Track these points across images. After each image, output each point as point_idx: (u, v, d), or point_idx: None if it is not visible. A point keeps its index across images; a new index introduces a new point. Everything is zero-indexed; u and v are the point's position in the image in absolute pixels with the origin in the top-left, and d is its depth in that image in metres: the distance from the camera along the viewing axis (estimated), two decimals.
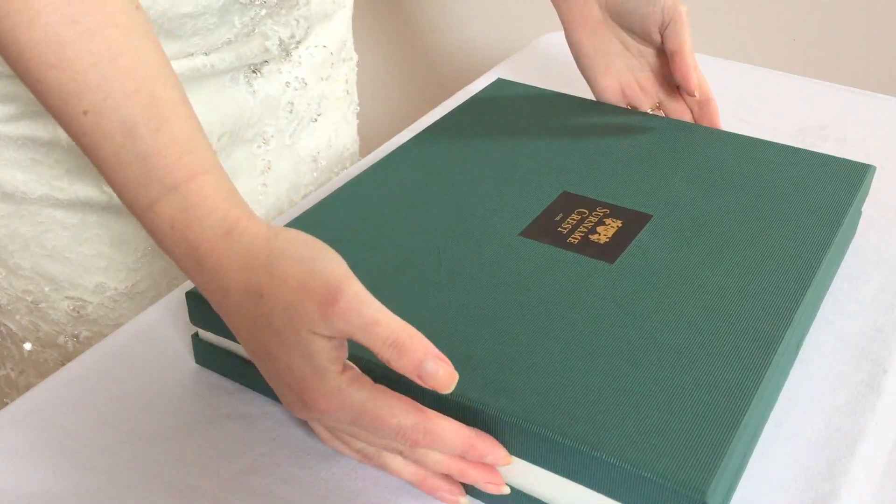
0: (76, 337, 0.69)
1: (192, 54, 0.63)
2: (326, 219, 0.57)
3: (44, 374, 0.73)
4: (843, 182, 0.61)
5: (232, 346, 0.51)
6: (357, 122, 0.85)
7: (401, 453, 0.43)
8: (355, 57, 0.82)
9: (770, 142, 0.66)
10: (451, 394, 0.40)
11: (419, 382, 0.39)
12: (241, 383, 0.52)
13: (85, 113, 0.42)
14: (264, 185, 0.72)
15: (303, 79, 0.71)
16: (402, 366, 0.39)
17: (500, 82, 0.75)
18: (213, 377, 0.52)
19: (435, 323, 0.48)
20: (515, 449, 0.43)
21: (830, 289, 0.60)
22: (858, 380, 0.53)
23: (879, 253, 0.63)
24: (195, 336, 0.53)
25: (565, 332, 0.47)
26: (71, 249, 0.65)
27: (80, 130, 0.43)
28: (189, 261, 0.43)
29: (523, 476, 0.43)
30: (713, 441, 0.41)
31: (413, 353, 0.39)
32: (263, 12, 0.64)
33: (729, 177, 0.61)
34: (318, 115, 0.75)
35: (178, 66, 0.62)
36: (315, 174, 0.77)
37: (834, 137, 0.78)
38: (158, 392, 0.51)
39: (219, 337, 0.51)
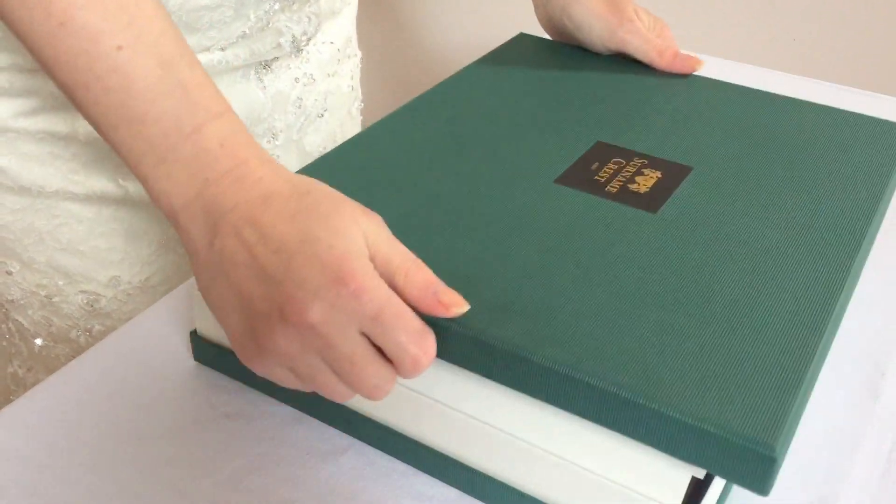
0: (89, 331, 0.70)
1: (208, 49, 0.63)
2: (353, 160, 0.55)
3: (53, 371, 0.73)
4: (887, 142, 0.59)
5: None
6: (361, 118, 0.85)
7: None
8: (359, 53, 0.83)
9: (808, 101, 0.65)
10: (496, 340, 0.40)
11: (433, 300, 0.40)
12: (241, 381, 0.52)
13: (119, 48, 0.43)
14: None
15: (311, 74, 0.73)
16: (420, 279, 0.40)
17: (522, 37, 0.74)
18: (213, 375, 0.52)
19: (469, 269, 0.45)
20: (564, 403, 0.40)
21: None
22: (857, 381, 0.53)
23: (879, 254, 0.64)
24: (193, 333, 0.53)
25: (610, 281, 0.45)
26: (85, 243, 0.66)
27: (112, 66, 0.43)
28: (230, 176, 0.43)
29: (523, 475, 0.44)
30: (778, 395, 0.38)
31: (428, 272, 0.41)
32: (277, 6, 0.65)
33: (769, 133, 0.60)
34: (325, 110, 0.76)
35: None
36: None
37: None
38: (158, 391, 0.51)
39: (218, 334, 0.51)
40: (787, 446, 0.39)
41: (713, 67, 0.91)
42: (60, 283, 0.67)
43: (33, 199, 0.63)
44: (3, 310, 0.70)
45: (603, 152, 0.56)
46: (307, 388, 0.42)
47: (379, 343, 0.40)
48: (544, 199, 0.51)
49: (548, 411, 0.43)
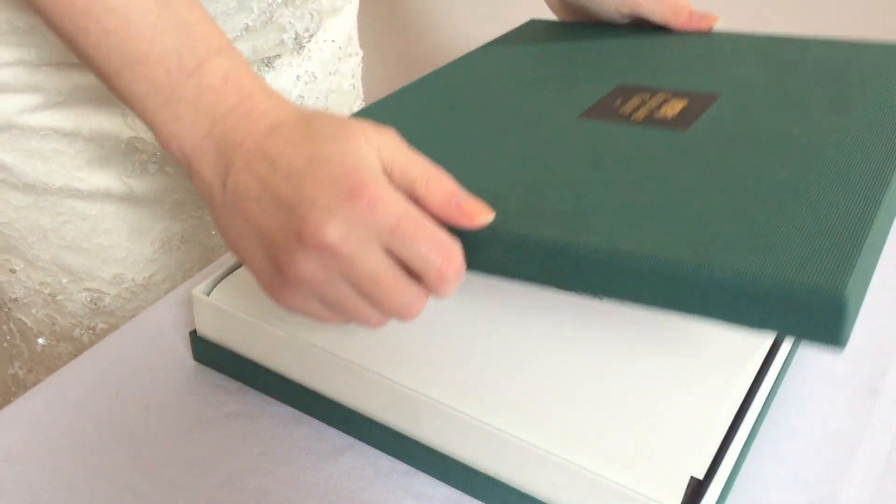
0: (92, 329, 0.70)
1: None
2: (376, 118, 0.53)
3: (54, 371, 0.73)
4: None
5: (231, 344, 0.51)
6: None
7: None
8: (361, 52, 0.83)
9: (824, 39, 0.63)
10: (532, 233, 0.39)
11: (456, 209, 0.40)
12: (241, 381, 0.52)
13: None
14: None
15: (313, 73, 0.73)
16: (441, 189, 0.40)
17: (533, 21, 0.74)
18: (213, 375, 0.52)
19: (496, 188, 0.43)
20: (610, 289, 0.38)
21: None
22: (857, 381, 0.53)
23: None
24: (193, 333, 0.53)
25: (644, 182, 0.43)
26: (89, 241, 0.66)
27: (110, 7, 0.43)
28: (237, 111, 0.43)
29: (524, 473, 0.44)
30: (844, 240, 0.36)
31: (450, 181, 0.40)
32: (280, 0, 0.65)
33: (796, 65, 0.58)
34: (326, 108, 0.76)
35: None
36: None
37: None
38: (157, 391, 0.51)
39: (218, 334, 0.52)
40: (860, 298, 0.36)
41: None
42: (64, 280, 0.67)
43: (37, 197, 0.63)
44: (6, 309, 0.70)
45: (626, 91, 0.55)
46: (341, 319, 0.42)
47: (402, 258, 0.39)
48: (570, 131, 0.50)
49: (547, 411, 0.43)
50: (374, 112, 0.56)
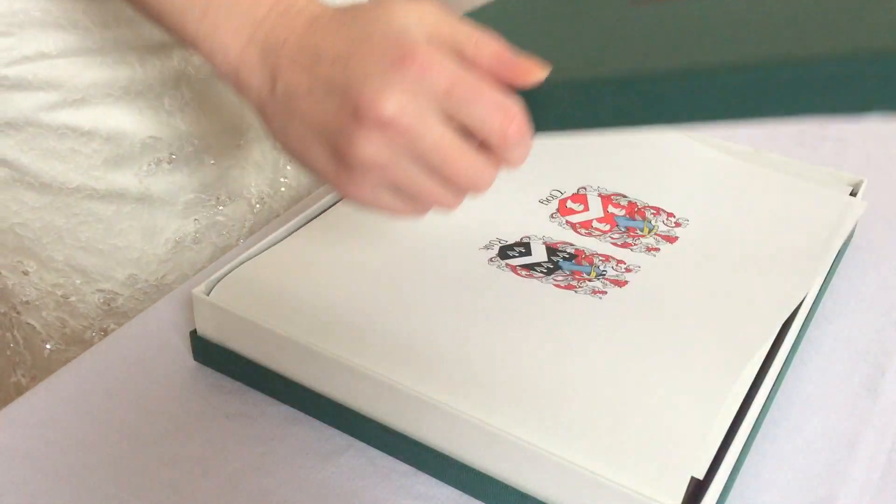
0: (104, 330, 0.70)
1: None
2: None
3: None
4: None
5: (231, 344, 0.51)
6: None
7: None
8: None
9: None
10: (604, 73, 0.38)
11: (509, 66, 0.38)
12: (241, 381, 0.52)
13: None
14: (285, 178, 0.74)
15: None
16: (491, 48, 0.39)
17: None
18: (213, 375, 0.52)
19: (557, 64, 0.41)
20: (699, 110, 0.36)
21: (829, 289, 0.60)
22: (857, 381, 0.53)
23: (878, 254, 0.64)
24: (193, 333, 0.53)
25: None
26: (104, 241, 0.66)
27: None
28: (274, 11, 0.43)
29: (523, 472, 0.44)
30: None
31: (498, 42, 0.39)
32: None
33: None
34: None
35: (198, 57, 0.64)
36: None
37: (833, 138, 0.78)
38: (158, 391, 0.51)
39: (218, 334, 0.51)
40: None
41: None
42: (78, 281, 0.67)
43: (54, 197, 0.63)
44: (14, 314, 0.70)
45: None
46: (414, 209, 0.41)
47: (463, 123, 0.38)
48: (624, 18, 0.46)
49: (547, 411, 0.43)
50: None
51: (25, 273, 0.66)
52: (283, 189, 0.74)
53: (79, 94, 0.60)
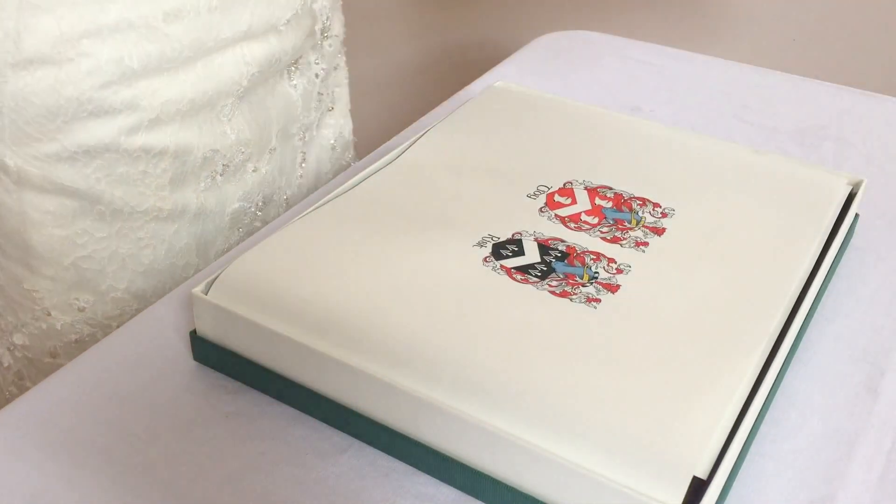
0: None
1: (273, 29, 0.65)
2: None
3: None
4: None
5: (230, 344, 0.51)
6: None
7: None
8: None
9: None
10: None
11: None
12: (241, 381, 0.52)
13: None
14: (301, 176, 0.74)
15: (325, 69, 0.74)
16: None
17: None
18: (213, 375, 0.52)
19: None
20: None
21: (829, 288, 0.60)
22: (856, 381, 0.53)
23: (878, 254, 0.64)
24: (193, 333, 0.53)
25: None
26: (164, 262, 0.66)
27: None
28: None
29: (523, 472, 0.44)
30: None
31: None
32: None
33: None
34: (333, 103, 0.78)
35: (260, 55, 0.65)
36: (332, 163, 0.79)
37: (833, 138, 0.78)
38: (157, 391, 0.51)
39: (217, 334, 0.52)
40: None
41: (713, 68, 0.92)
42: (135, 307, 0.66)
43: (122, 224, 0.63)
44: (49, 359, 0.68)
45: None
46: None
47: None
48: None
49: (547, 411, 0.43)
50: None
51: (81, 310, 0.65)
52: (299, 188, 0.75)
53: (154, 112, 0.60)
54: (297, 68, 0.70)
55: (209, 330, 0.52)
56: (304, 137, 0.73)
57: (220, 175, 0.65)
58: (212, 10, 0.60)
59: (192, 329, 0.53)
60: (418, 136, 0.67)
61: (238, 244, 0.69)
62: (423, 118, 0.82)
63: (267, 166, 0.69)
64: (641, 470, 0.41)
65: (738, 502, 0.45)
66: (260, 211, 0.70)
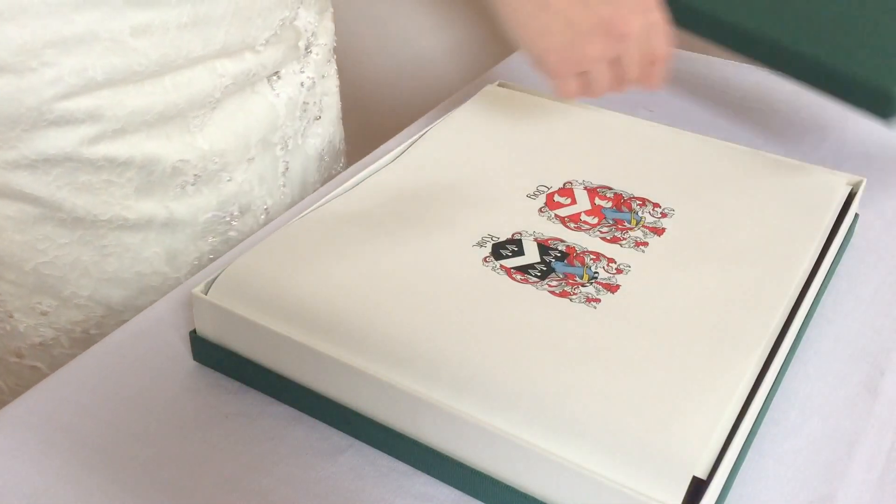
0: None
1: (251, 46, 0.65)
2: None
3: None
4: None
5: (230, 344, 0.51)
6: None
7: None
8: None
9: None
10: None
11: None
12: (241, 381, 0.52)
13: None
14: (283, 185, 0.74)
15: (312, 77, 0.73)
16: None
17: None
18: (213, 375, 0.52)
19: None
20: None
21: (829, 288, 0.60)
22: (856, 380, 0.53)
23: (878, 254, 0.64)
24: (193, 333, 0.53)
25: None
26: (129, 270, 0.65)
27: None
28: None
29: (522, 471, 0.44)
30: None
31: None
32: None
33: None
34: (321, 112, 0.77)
35: (235, 70, 0.64)
36: (320, 171, 0.78)
37: (833, 138, 0.78)
38: (157, 391, 0.51)
39: (217, 334, 0.52)
40: None
41: (713, 67, 0.91)
42: (100, 314, 0.66)
43: (84, 231, 0.62)
44: (14, 358, 0.68)
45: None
46: (592, 88, 0.58)
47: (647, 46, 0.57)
48: None
49: (547, 411, 0.43)
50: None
51: (44, 314, 0.65)
52: (282, 197, 0.74)
53: (118, 123, 0.59)
54: (279, 78, 0.70)
55: (209, 330, 0.52)
56: (287, 146, 0.72)
57: (192, 185, 0.65)
58: (182, 27, 0.59)
59: (192, 329, 0.53)
60: (418, 136, 0.67)
61: (211, 253, 0.68)
62: (421, 118, 0.82)
63: (244, 175, 0.68)
64: (641, 470, 0.41)
65: (738, 502, 0.45)
66: (235, 220, 0.69)
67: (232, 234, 0.70)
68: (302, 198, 0.77)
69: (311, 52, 0.72)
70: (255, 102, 0.68)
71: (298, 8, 0.69)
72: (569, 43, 0.55)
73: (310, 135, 0.76)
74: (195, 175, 0.64)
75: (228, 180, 0.67)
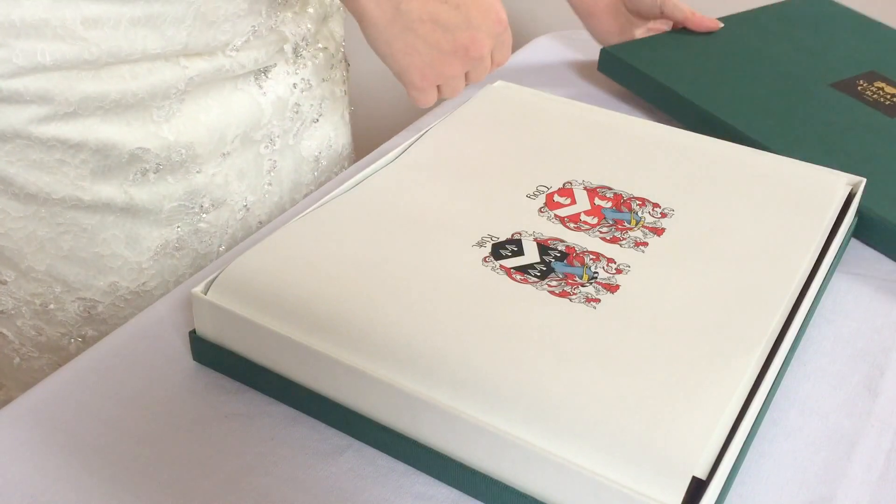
0: (82, 337, 0.70)
1: (221, 49, 0.64)
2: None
3: (28, 386, 0.73)
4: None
5: (230, 344, 0.51)
6: (350, 123, 0.86)
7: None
8: (346, 59, 0.83)
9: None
10: None
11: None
12: (241, 381, 0.52)
13: None
14: (269, 184, 0.74)
15: (308, 80, 0.73)
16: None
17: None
18: (212, 375, 0.52)
19: None
20: None
21: (829, 288, 0.60)
22: (856, 381, 0.53)
23: (878, 253, 0.64)
24: (193, 333, 0.53)
25: None
26: (86, 250, 0.66)
27: None
28: None
29: (520, 472, 0.44)
30: None
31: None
32: (282, 1, 0.67)
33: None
34: (320, 115, 0.76)
35: (204, 66, 0.64)
36: (315, 174, 0.78)
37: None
38: (157, 391, 0.51)
39: (217, 334, 0.52)
40: None
41: None
42: (58, 290, 0.67)
43: (38, 207, 0.63)
44: None
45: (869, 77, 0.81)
46: (444, 95, 0.66)
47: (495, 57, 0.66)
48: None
49: (547, 411, 0.43)
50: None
51: (3, 283, 0.66)
52: (266, 195, 0.74)
53: (70, 107, 0.60)
54: (268, 77, 0.70)
55: (209, 330, 0.52)
56: (274, 145, 0.72)
57: (154, 173, 0.65)
58: (135, 22, 0.59)
59: (191, 329, 0.53)
60: (418, 136, 0.67)
61: (177, 242, 0.69)
62: (422, 118, 0.82)
63: (217, 169, 0.68)
64: (641, 470, 0.41)
65: (738, 502, 0.45)
66: (207, 213, 0.69)
67: (202, 225, 0.70)
68: (293, 198, 0.77)
69: (301, 55, 0.72)
70: (236, 99, 0.68)
71: (281, 14, 0.68)
72: (430, 62, 0.61)
73: (305, 136, 0.76)
74: (157, 164, 0.65)
75: (198, 172, 0.67)
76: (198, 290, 0.52)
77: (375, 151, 0.76)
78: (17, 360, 0.70)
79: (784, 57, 0.84)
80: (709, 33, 0.88)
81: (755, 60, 0.84)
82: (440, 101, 0.69)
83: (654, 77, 0.80)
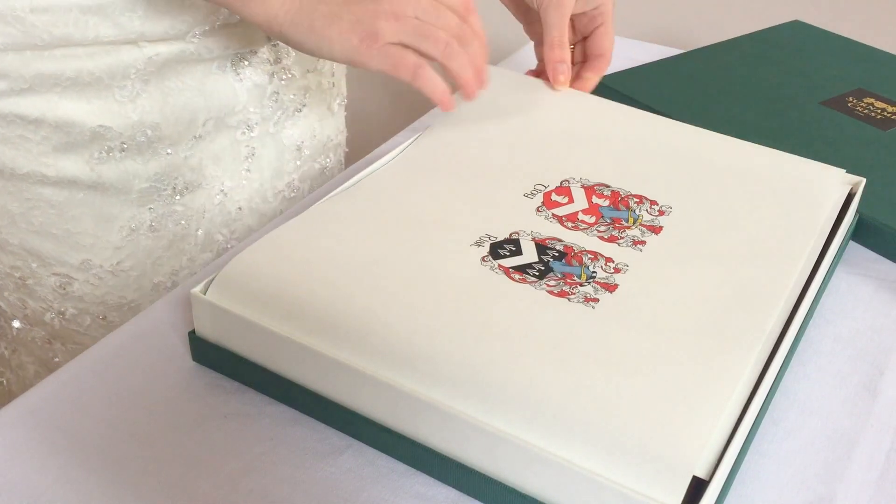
0: (62, 314, 0.70)
1: (180, 37, 0.64)
2: None
3: (33, 353, 0.74)
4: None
5: (229, 345, 0.51)
6: (345, 113, 0.86)
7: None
8: None
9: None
10: None
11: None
12: (240, 381, 0.52)
13: None
14: (248, 170, 0.74)
15: (290, 69, 0.73)
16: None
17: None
18: (212, 376, 0.52)
19: None
20: None
21: (828, 288, 0.60)
22: (856, 380, 0.53)
23: (878, 254, 0.64)
24: (192, 333, 0.53)
25: None
26: (57, 226, 0.67)
27: None
28: None
29: (519, 472, 0.44)
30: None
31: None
32: None
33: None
34: (304, 105, 0.77)
35: (167, 49, 0.64)
36: (298, 163, 0.79)
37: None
38: (156, 391, 0.51)
39: (216, 334, 0.51)
40: None
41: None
42: (34, 265, 0.68)
43: (6, 182, 0.64)
44: None
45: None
46: (425, 50, 0.58)
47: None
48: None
49: (547, 411, 0.43)
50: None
51: None
52: (244, 182, 0.74)
53: (25, 83, 0.61)
54: (248, 64, 0.70)
55: (208, 330, 0.52)
56: (252, 132, 0.73)
57: (120, 151, 0.65)
58: (86, 11, 0.60)
59: (190, 329, 0.53)
60: (416, 135, 0.67)
61: (152, 222, 0.69)
62: (421, 118, 0.82)
63: (188, 152, 0.69)
64: (641, 470, 0.41)
65: (738, 502, 0.45)
66: (181, 195, 0.70)
67: (178, 208, 0.70)
68: (274, 186, 0.77)
69: (279, 45, 0.72)
70: (210, 82, 0.68)
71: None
72: (356, 19, 0.56)
73: (287, 125, 0.76)
74: (121, 143, 0.65)
75: (168, 153, 0.68)
76: (197, 290, 0.51)
77: (375, 151, 0.76)
78: (15, 328, 0.72)
79: (772, 79, 0.86)
80: (699, 62, 0.89)
81: (744, 84, 0.85)
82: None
83: (649, 105, 0.80)
